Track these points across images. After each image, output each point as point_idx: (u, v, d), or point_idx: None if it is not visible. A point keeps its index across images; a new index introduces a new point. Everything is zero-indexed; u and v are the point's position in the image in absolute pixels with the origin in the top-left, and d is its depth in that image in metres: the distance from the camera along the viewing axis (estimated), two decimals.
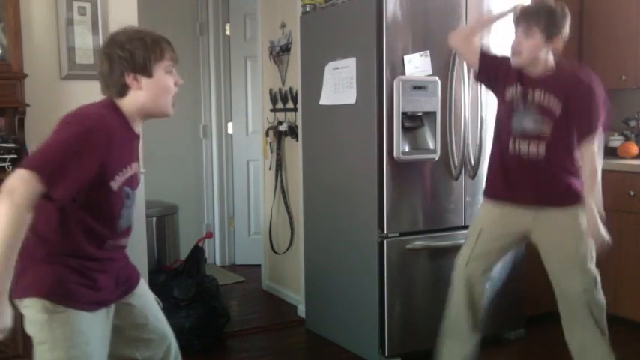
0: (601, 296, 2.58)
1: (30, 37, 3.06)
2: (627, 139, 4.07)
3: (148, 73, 1.77)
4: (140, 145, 3.33)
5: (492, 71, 2.70)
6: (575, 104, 2.51)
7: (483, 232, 2.69)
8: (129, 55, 1.74)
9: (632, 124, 4.08)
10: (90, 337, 1.73)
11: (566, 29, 2.54)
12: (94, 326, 1.74)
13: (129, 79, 1.76)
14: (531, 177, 2.60)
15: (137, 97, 1.78)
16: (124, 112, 1.79)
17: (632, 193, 3.55)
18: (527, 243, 2.80)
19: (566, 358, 2.68)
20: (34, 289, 1.69)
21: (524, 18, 2.53)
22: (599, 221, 2.45)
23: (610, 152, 4.07)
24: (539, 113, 2.55)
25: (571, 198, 2.58)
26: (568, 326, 2.63)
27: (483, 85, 2.97)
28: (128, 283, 1.92)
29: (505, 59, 2.67)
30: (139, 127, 1.87)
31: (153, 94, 1.80)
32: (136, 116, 1.82)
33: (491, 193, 2.74)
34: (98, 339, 1.76)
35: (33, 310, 1.70)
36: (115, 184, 1.73)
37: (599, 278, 2.57)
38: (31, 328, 1.72)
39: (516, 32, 2.55)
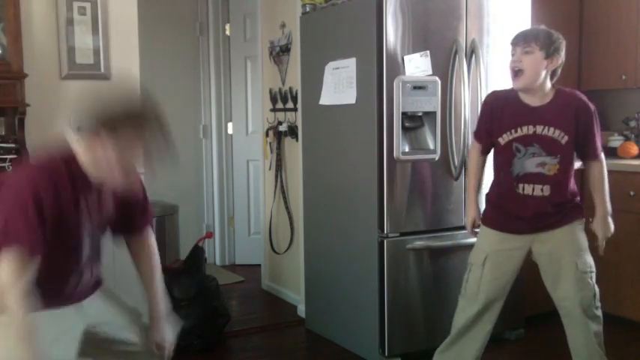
0: (599, 312, 2.57)
1: (30, 37, 3.06)
2: (627, 139, 4.06)
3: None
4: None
5: (488, 130, 2.67)
6: (582, 129, 2.51)
7: (489, 258, 2.64)
8: None
9: (632, 124, 4.08)
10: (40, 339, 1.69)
11: (563, 52, 2.52)
12: (46, 326, 1.70)
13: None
14: (535, 212, 2.57)
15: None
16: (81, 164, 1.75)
17: (632, 193, 3.55)
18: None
19: (566, 358, 2.67)
20: None
21: (522, 38, 2.51)
22: (609, 221, 2.58)
23: (610, 152, 4.07)
24: (542, 149, 2.52)
25: (570, 217, 2.59)
26: (571, 341, 2.61)
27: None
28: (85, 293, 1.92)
29: (485, 111, 2.67)
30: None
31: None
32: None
33: (490, 223, 2.70)
34: (52, 341, 1.73)
35: None
36: (79, 229, 1.73)
37: (598, 295, 2.56)
38: None
39: (514, 52, 2.51)
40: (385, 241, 3.12)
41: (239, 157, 5.39)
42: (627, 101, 4.21)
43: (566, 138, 2.50)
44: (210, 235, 4.85)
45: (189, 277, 3.53)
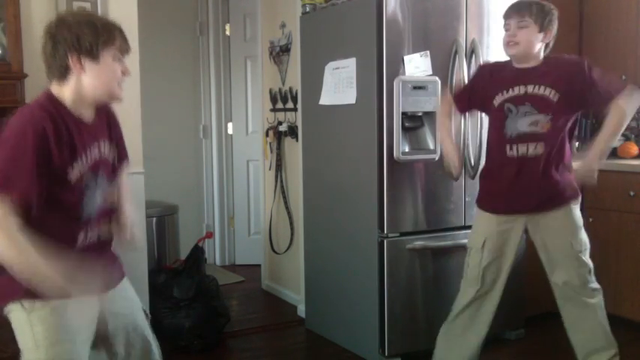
0: (596, 284, 2.64)
1: (30, 37, 3.06)
2: (627, 139, 4.07)
3: (93, 57, 1.73)
4: (140, 145, 3.35)
5: (470, 95, 2.75)
6: (582, 83, 2.51)
7: (487, 241, 2.67)
8: (75, 37, 1.70)
9: (632, 124, 4.08)
10: (71, 329, 1.72)
11: (556, 26, 2.56)
12: (77, 314, 1.72)
13: (72, 61, 1.72)
14: (529, 183, 2.59)
15: (80, 81, 1.74)
16: (66, 99, 1.75)
17: (632, 193, 3.55)
18: (529, 242, 2.80)
19: (566, 358, 2.68)
20: (8, 294, 1.70)
21: (515, 10, 2.55)
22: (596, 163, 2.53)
23: (610, 152, 4.07)
24: (534, 107, 2.54)
25: (565, 197, 2.60)
26: (567, 319, 2.66)
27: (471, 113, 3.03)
28: (111, 279, 1.91)
29: (482, 74, 2.72)
30: (87, 114, 1.80)
31: (98, 79, 1.75)
32: (79, 102, 1.77)
33: (486, 205, 2.73)
34: (82, 328, 1.75)
35: (14, 313, 1.71)
36: (71, 175, 1.71)
37: (592, 268, 2.62)
38: (16, 334, 1.73)
39: (509, 25, 2.56)
40: (385, 241, 3.12)
41: (239, 157, 5.39)
42: None
43: (557, 96, 2.52)
44: (210, 235, 4.85)
45: (189, 277, 3.53)
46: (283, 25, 4.18)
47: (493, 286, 2.70)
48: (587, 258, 2.62)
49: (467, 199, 3.27)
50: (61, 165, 1.69)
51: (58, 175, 1.69)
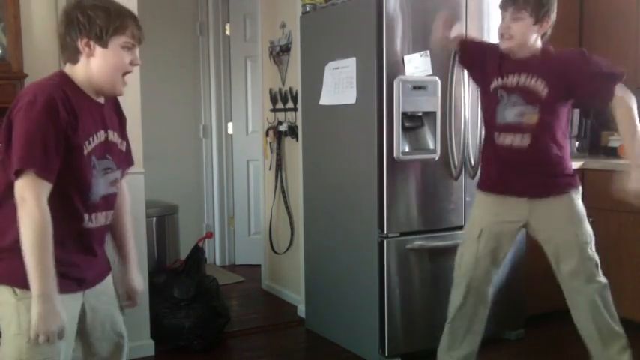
0: (603, 279, 2.60)
1: (30, 37, 3.06)
2: None
3: (102, 42, 1.74)
4: (140, 145, 3.35)
5: (479, 56, 2.71)
6: (577, 77, 2.49)
7: (484, 232, 2.68)
8: (87, 20, 1.71)
9: None
10: None
11: (554, 12, 2.53)
12: (63, 307, 1.72)
13: (81, 44, 1.73)
14: (520, 168, 2.59)
15: (89, 64, 1.76)
16: (77, 80, 1.77)
17: None
18: (529, 242, 2.80)
19: (566, 358, 2.68)
20: (4, 276, 1.72)
21: (511, 2, 2.51)
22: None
23: (610, 152, 4.07)
24: (522, 99, 2.52)
25: (563, 186, 2.60)
26: (575, 312, 2.64)
27: (467, 72, 3.00)
28: (100, 274, 1.93)
29: (491, 47, 2.68)
30: (98, 97, 1.82)
31: (104, 65, 1.76)
32: (89, 85, 1.78)
33: (484, 185, 2.75)
34: (67, 323, 1.74)
35: (4, 293, 1.72)
36: (85, 152, 1.73)
37: (599, 263, 2.60)
38: (1, 309, 1.74)
39: (504, 16, 2.54)
40: (385, 241, 3.12)
41: (239, 157, 5.39)
42: None
43: (546, 90, 2.49)
44: (210, 235, 4.85)
45: (189, 277, 3.53)
46: (283, 25, 4.18)
47: (486, 280, 2.68)
48: (592, 251, 2.59)
49: (467, 199, 3.27)
50: (75, 140, 1.70)
51: (73, 149, 1.70)
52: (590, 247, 2.59)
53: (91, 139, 1.76)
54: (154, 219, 4.03)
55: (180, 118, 5.24)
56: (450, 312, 2.78)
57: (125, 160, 1.97)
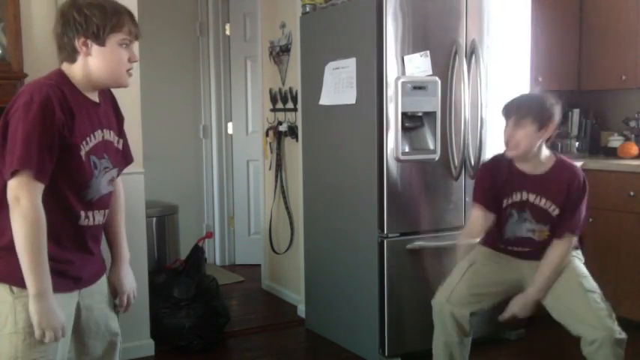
0: (623, 334, 2.40)
1: (30, 37, 3.06)
2: (627, 139, 4.07)
3: (100, 41, 1.74)
4: (140, 145, 3.35)
5: (492, 189, 2.63)
6: (571, 200, 2.49)
7: (474, 266, 2.64)
8: (84, 19, 1.71)
9: (632, 124, 4.08)
10: None
11: (558, 114, 2.48)
12: (62, 308, 1.72)
13: (78, 43, 1.73)
14: (524, 257, 2.62)
15: (87, 63, 1.76)
16: (75, 80, 1.77)
17: (632, 194, 3.55)
18: None
19: (566, 358, 2.67)
20: (1, 275, 1.72)
21: (514, 111, 2.47)
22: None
23: (610, 152, 4.07)
24: (533, 217, 2.52)
25: None
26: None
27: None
28: (95, 274, 1.93)
29: (484, 178, 2.64)
30: (94, 96, 1.83)
31: (103, 63, 1.76)
32: (87, 85, 1.79)
33: (489, 242, 2.71)
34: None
35: (0, 292, 1.72)
36: (82, 152, 1.73)
37: (613, 312, 2.45)
38: None
39: (507, 124, 2.49)
40: (385, 241, 3.12)
41: (239, 157, 5.39)
42: (627, 101, 4.21)
43: (557, 211, 2.50)
44: (210, 235, 4.85)
45: (189, 277, 3.53)
46: (283, 25, 4.18)
47: (461, 313, 2.61)
48: (602, 300, 2.46)
49: (467, 199, 3.27)
50: (72, 139, 1.70)
51: (69, 149, 1.70)
52: (598, 297, 2.46)
53: (88, 138, 1.76)
54: (154, 219, 4.03)
55: (180, 118, 5.24)
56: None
57: (123, 157, 1.97)
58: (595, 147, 4.29)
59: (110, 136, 1.87)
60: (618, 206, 3.55)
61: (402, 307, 3.17)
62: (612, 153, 4.02)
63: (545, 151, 2.53)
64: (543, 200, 2.51)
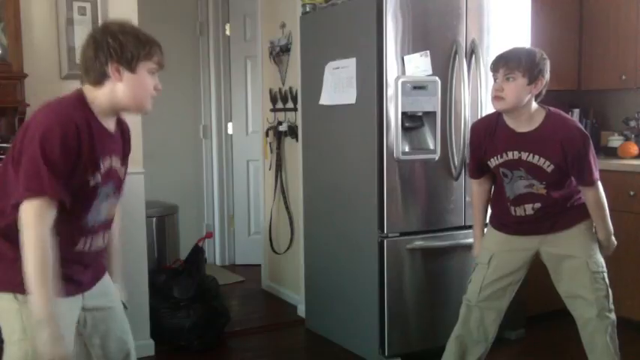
0: (613, 315, 2.55)
1: (30, 37, 3.06)
2: (627, 139, 4.07)
3: (131, 68, 1.76)
4: (140, 145, 3.35)
5: (483, 162, 2.64)
6: (571, 158, 2.45)
7: (494, 257, 2.64)
8: (119, 45, 1.74)
9: (632, 124, 4.09)
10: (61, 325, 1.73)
11: (548, 72, 2.46)
12: (64, 313, 1.73)
13: (111, 68, 1.75)
14: (532, 222, 2.59)
15: (115, 89, 1.77)
16: (95, 105, 1.78)
17: (632, 193, 3.55)
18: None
19: (566, 358, 2.67)
20: (5, 283, 1.73)
21: (503, 63, 2.43)
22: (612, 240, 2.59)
23: (610, 152, 4.07)
24: (528, 174, 2.50)
25: (574, 219, 2.57)
26: (588, 348, 2.58)
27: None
28: (95, 277, 1.94)
29: (477, 136, 2.63)
30: (110, 124, 1.85)
31: (132, 89, 1.78)
32: (108, 109, 1.80)
33: (494, 223, 2.70)
34: (67, 326, 1.76)
35: (5, 301, 1.73)
36: (92, 182, 1.74)
37: (611, 296, 2.53)
38: (2, 317, 1.75)
39: (496, 77, 2.46)
40: (385, 241, 3.12)
41: (239, 157, 5.39)
42: (627, 101, 4.21)
43: (551, 167, 2.46)
44: (210, 235, 4.85)
45: (189, 277, 3.53)
46: (283, 25, 4.18)
47: (491, 307, 2.65)
48: (605, 282, 2.52)
49: (467, 199, 3.27)
50: (85, 170, 1.71)
51: (80, 178, 1.71)
52: (603, 278, 2.52)
53: (100, 168, 1.78)
54: (154, 219, 4.03)
55: (180, 118, 5.24)
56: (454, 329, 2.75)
57: (121, 186, 1.98)
58: (595, 147, 4.28)
59: (117, 163, 1.89)
60: (618, 206, 3.54)
61: (402, 307, 3.17)
62: (612, 153, 4.02)
63: (534, 105, 2.49)
64: (536, 157, 2.46)
